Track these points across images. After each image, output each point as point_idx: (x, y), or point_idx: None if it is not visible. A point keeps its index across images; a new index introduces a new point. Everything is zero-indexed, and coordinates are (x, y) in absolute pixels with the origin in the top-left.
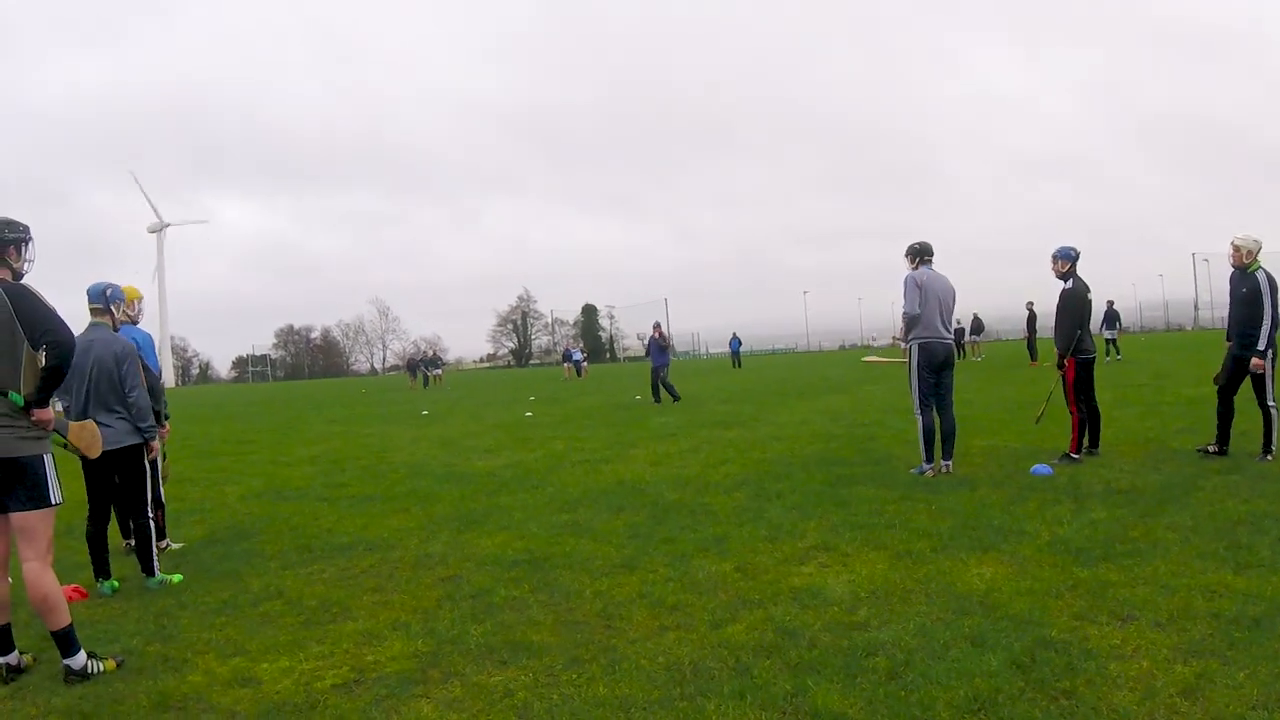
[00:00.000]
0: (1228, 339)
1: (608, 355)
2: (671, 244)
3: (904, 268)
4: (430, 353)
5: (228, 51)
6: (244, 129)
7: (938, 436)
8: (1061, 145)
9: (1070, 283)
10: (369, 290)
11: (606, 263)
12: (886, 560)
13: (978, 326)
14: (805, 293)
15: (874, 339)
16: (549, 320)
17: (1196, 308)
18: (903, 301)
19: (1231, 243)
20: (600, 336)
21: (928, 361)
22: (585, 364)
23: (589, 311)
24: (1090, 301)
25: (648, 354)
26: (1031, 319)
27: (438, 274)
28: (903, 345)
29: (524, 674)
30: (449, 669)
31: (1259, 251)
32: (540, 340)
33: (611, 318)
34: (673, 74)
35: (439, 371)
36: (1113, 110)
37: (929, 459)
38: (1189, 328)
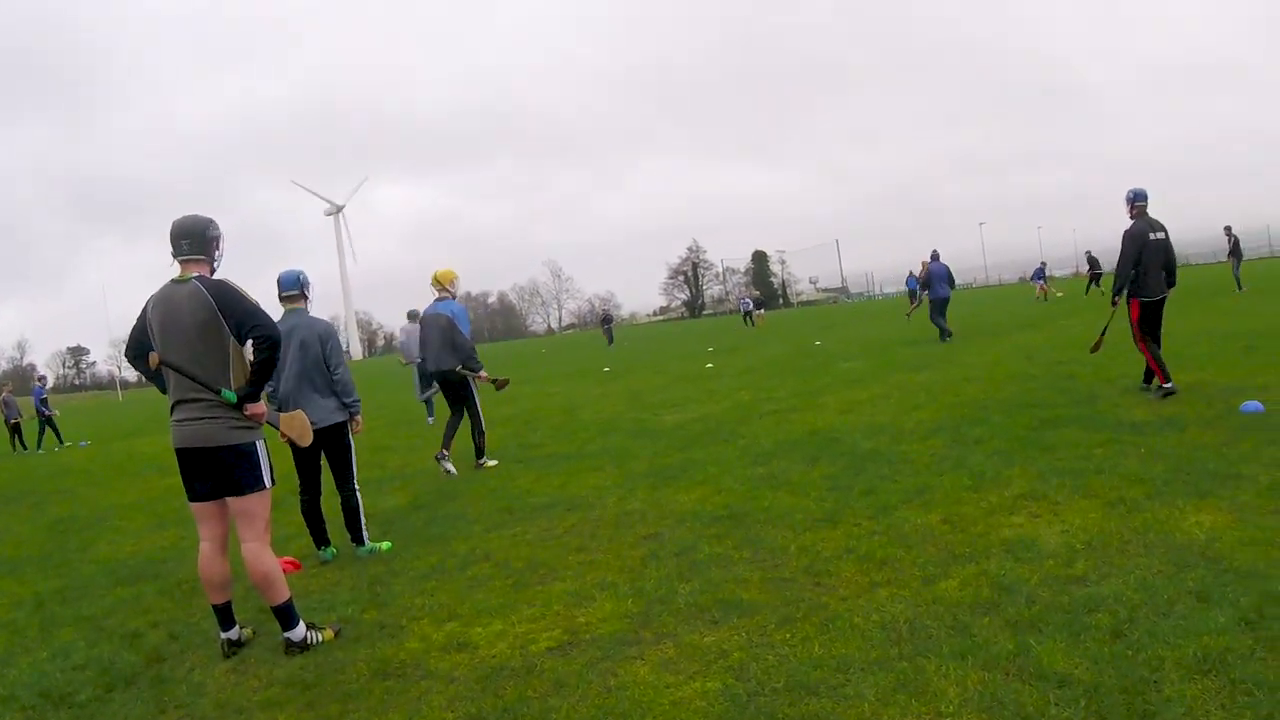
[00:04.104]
0: None
1: (780, 301)
2: (830, 187)
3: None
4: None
5: (355, 58)
6: (386, 121)
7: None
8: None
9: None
10: (538, 253)
11: (769, 210)
12: (1099, 509)
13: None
14: (981, 224)
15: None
16: (719, 270)
17: None
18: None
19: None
20: (772, 282)
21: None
22: (761, 312)
23: (759, 258)
24: (1153, 241)
25: (923, 288)
26: (1235, 244)
27: (602, 233)
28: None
29: (736, 634)
30: (660, 629)
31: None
32: (713, 290)
33: (783, 262)
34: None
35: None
36: None
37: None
38: None
